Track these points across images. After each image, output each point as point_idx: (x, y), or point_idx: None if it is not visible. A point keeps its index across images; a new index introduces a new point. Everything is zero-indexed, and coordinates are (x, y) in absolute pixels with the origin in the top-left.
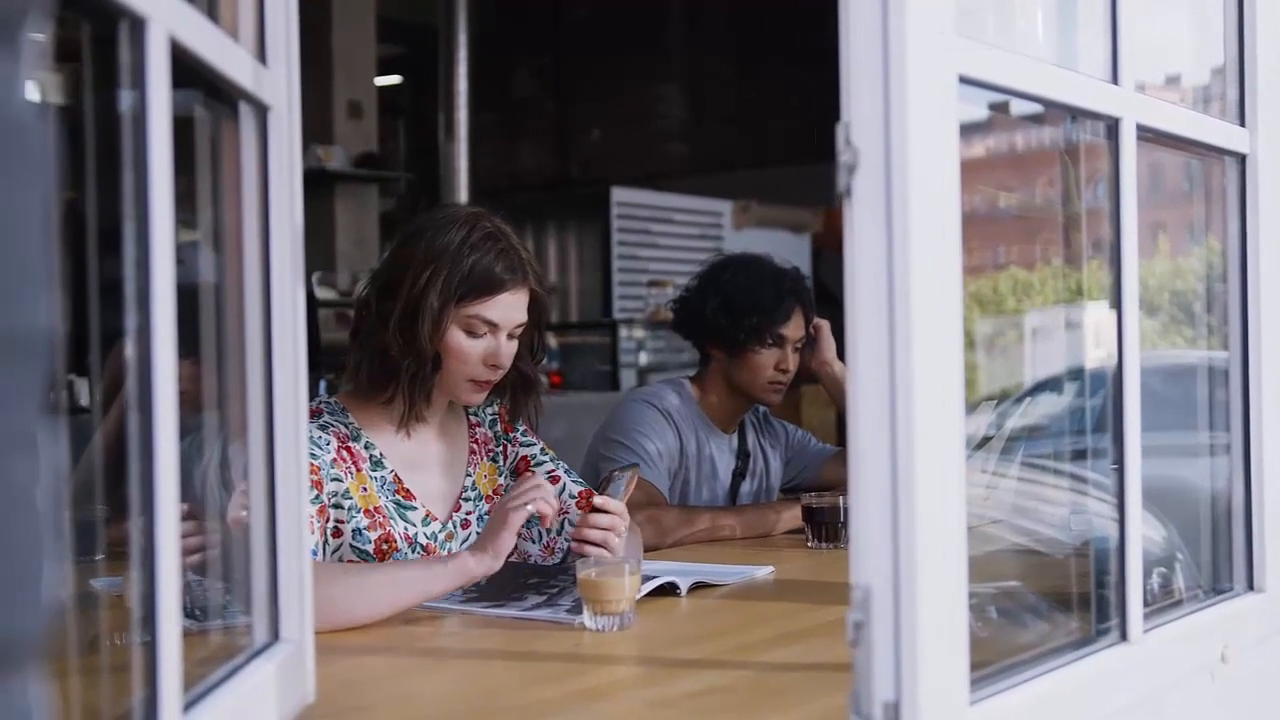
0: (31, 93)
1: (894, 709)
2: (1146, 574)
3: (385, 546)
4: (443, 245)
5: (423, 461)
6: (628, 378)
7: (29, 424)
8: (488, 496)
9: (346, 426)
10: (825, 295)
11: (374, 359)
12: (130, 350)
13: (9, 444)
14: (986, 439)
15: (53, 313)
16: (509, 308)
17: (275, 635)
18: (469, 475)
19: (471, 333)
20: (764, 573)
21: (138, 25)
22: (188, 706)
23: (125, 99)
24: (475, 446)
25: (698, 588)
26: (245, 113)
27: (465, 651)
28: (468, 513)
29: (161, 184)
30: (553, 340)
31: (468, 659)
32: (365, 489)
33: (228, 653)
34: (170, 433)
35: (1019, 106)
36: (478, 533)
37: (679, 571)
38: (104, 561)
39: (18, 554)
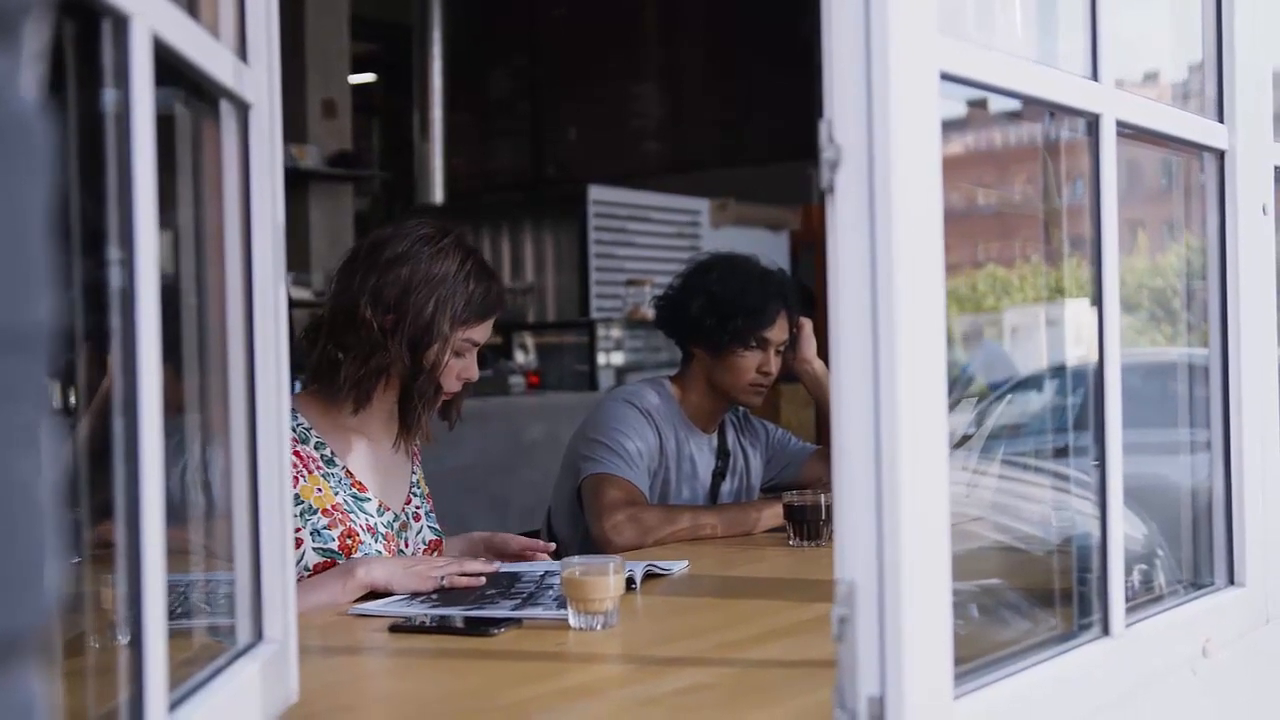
0: (31, 90)
1: (879, 703)
2: (1128, 570)
3: (349, 541)
4: (442, 273)
5: (373, 460)
6: (606, 377)
7: (32, 418)
8: (427, 495)
9: (295, 429)
10: (803, 293)
11: (374, 376)
12: (114, 352)
13: (12, 438)
14: (966, 437)
15: (52, 310)
16: (490, 329)
17: (259, 635)
18: (414, 474)
19: (458, 353)
20: (679, 568)
21: (121, 23)
22: (172, 706)
23: (107, 97)
24: (415, 450)
25: (650, 577)
26: (226, 111)
27: (449, 651)
28: (416, 506)
29: (145, 182)
30: (530, 340)
31: (452, 659)
32: (320, 489)
33: (209, 653)
34: (155, 433)
35: (997, 103)
36: (429, 526)
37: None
38: (83, 564)
39: (21, 548)
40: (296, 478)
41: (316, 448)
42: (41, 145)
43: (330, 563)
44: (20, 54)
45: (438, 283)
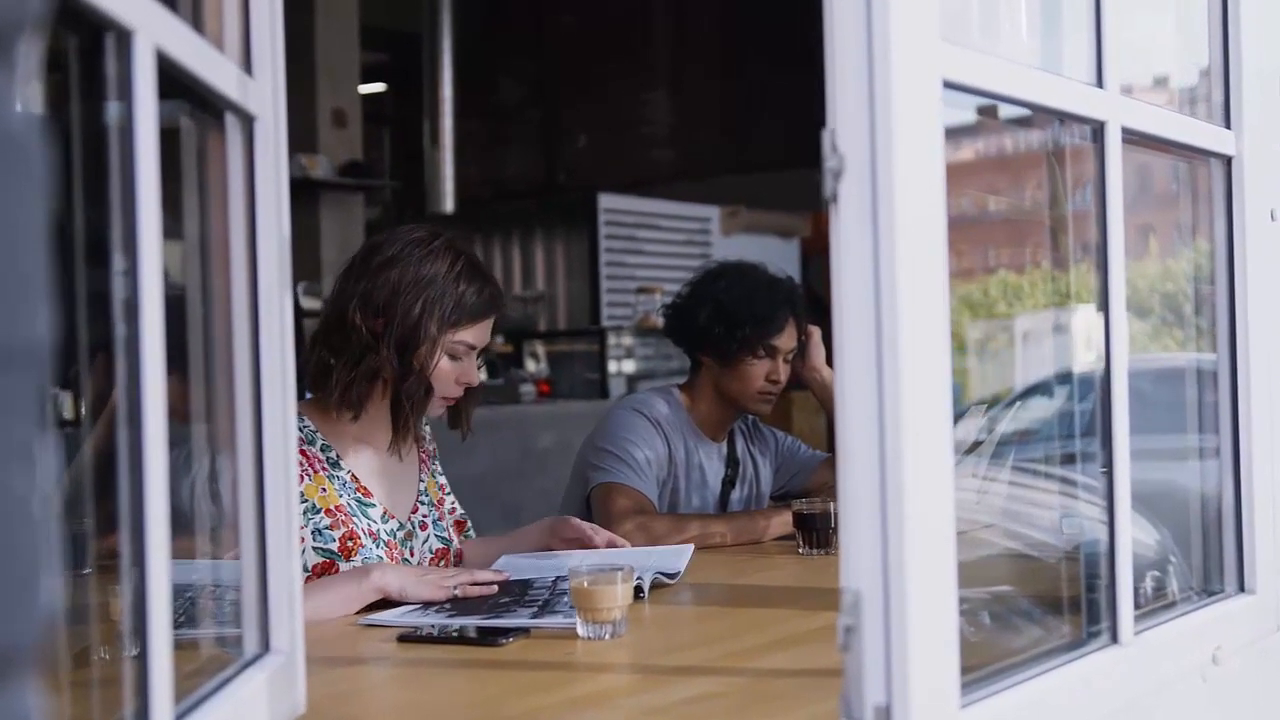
0: (28, 105)
1: (885, 712)
2: (1140, 577)
3: (350, 544)
4: (431, 274)
5: (380, 468)
6: (616, 385)
7: (27, 434)
8: (436, 503)
9: (301, 431)
10: (813, 301)
11: (365, 380)
12: (119, 362)
13: (7, 454)
14: (977, 443)
15: (50, 325)
16: (487, 331)
17: (266, 646)
18: (421, 481)
19: (453, 356)
20: (685, 556)
21: (124, 37)
22: (179, 718)
23: (111, 110)
24: (423, 457)
25: (657, 586)
26: (231, 123)
27: (458, 662)
28: (423, 516)
29: (149, 195)
30: (540, 348)
31: (460, 669)
32: (324, 490)
33: (217, 663)
34: (159, 445)
35: (1007, 110)
36: (436, 535)
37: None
38: (92, 575)
39: (16, 562)
40: (301, 476)
41: (323, 450)
42: (37, 160)
43: (330, 564)
44: (15, 70)
45: (426, 284)
